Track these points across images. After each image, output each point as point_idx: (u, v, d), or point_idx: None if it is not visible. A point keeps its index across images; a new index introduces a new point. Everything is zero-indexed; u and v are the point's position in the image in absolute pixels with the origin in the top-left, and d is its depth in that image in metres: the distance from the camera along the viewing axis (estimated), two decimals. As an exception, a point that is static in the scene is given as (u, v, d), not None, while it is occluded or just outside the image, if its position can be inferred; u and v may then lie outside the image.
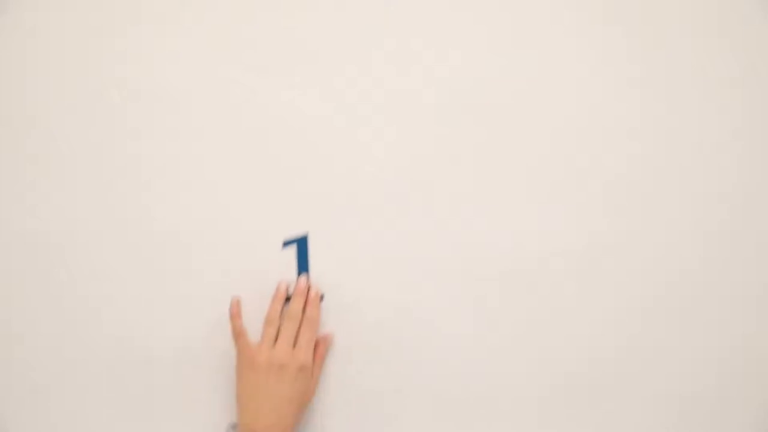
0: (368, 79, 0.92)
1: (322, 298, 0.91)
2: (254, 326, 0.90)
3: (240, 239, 0.92)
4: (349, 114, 0.92)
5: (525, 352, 0.91)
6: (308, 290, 0.90)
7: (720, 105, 0.91)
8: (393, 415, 0.92)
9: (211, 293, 0.92)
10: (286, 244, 0.92)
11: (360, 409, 0.92)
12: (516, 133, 0.92)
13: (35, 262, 0.93)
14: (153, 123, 0.93)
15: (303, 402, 0.86)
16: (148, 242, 0.92)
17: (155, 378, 0.92)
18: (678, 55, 0.92)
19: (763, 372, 0.91)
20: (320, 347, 0.90)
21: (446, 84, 0.92)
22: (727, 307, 0.91)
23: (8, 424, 0.92)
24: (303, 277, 0.90)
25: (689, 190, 0.91)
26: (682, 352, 0.91)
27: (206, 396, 0.92)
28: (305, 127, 0.92)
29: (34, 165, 0.93)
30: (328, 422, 0.92)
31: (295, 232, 0.92)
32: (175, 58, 0.93)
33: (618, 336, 0.91)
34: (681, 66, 0.92)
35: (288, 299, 0.90)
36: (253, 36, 0.93)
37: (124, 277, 0.92)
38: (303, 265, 0.92)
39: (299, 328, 0.87)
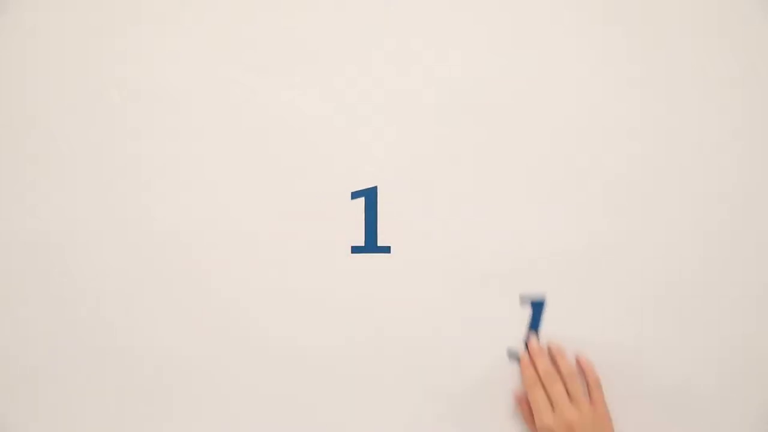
0: (368, 79, 0.92)
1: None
2: (254, 327, 0.90)
3: (240, 239, 0.92)
4: (349, 114, 0.92)
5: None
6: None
7: (720, 105, 0.91)
8: (392, 414, 0.92)
9: (211, 293, 0.92)
10: None
11: (359, 408, 0.92)
12: (516, 133, 0.92)
13: (35, 262, 0.93)
14: (153, 123, 0.93)
15: None
16: (148, 242, 0.92)
17: (155, 378, 0.92)
18: (678, 55, 0.92)
19: (763, 372, 0.91)
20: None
21: (446, 84, 0.92)
22: (727, 307, 0.91)
23: (8, 424, 0.92)
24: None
25: (689, 190, 0.91)
26: (682, 352, 0.91)
27: (206, 397, 0.92)
28: (305, 127, 0.92)
29: (34, 165, 0.93)
30: (332, 419, 0.92)
31: (295, 233, 0.92)
32: (175, 58, 0.93)
33: (618, 336, 0.91)
34: (681, 66, 0.92)
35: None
36: (253, 36, 0.93)
37: (124, 277, 0.92)
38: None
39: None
